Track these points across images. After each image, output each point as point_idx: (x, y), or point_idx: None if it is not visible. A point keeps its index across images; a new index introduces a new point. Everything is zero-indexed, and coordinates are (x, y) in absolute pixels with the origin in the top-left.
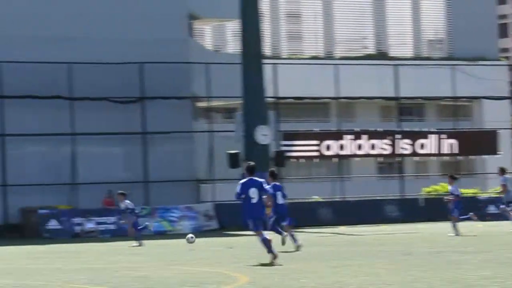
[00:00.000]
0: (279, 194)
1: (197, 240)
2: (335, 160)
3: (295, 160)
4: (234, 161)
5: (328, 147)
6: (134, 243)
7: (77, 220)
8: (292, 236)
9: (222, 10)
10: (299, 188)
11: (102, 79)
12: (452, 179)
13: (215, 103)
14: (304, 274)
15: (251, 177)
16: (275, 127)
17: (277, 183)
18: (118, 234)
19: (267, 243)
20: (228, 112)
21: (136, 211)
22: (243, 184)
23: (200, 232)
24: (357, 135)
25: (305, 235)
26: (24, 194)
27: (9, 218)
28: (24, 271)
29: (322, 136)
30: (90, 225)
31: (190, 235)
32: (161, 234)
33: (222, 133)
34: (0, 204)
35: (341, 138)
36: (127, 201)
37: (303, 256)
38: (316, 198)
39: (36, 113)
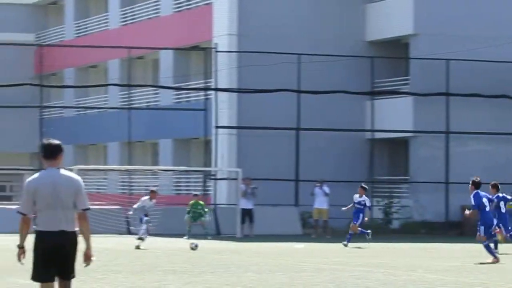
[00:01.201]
0: (502, 203)
1: None
2: None
3: None
4: None
5: None
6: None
7: None
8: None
9: None
10: None
11: None
12: None
13: None
14: None
15: (477, 191)
16: None
17: (500, 194)
18: None
19: (488, 248)
20: None
21: (369, 207)
22: (475, 196)
23: None
24: None
25: None
26: (465, 192)
27: (450, 215)
28: (465, 270)
29: None
30: None
31: (192, 243)
32: None
33: None
34: (442, 201)
35: None
36: (364, 197)
37: None
38: None
39: (481, 112)
